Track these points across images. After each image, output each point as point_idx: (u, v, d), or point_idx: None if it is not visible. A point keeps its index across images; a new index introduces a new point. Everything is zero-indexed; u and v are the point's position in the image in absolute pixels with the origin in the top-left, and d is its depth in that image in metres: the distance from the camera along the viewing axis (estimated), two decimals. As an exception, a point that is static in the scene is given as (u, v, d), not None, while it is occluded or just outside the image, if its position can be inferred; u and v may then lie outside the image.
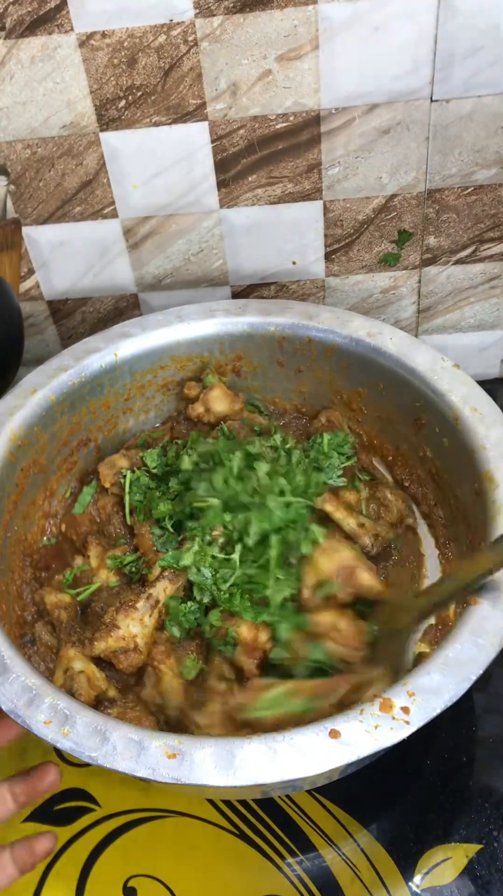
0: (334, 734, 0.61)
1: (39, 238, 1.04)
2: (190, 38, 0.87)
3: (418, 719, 0.62)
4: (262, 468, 0.86)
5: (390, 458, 0.99)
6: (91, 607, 0.87)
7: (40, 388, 0.93)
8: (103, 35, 0.87)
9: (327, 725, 0.62)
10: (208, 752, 0.61)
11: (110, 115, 0.93)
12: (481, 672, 0.65)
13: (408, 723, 0.62)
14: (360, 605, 0.81)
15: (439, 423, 0.88)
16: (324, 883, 0.76)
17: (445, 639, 0.68)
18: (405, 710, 0.63)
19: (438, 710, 0.63)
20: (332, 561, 0.81)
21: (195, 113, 0.93)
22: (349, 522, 0.88)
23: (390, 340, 0.93)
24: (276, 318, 0.99)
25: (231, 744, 0.62)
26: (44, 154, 0.96)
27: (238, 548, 0.82)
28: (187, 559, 0.82)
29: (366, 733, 0.61)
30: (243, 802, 0.81)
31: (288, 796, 0.81)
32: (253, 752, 0.61)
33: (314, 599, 0.80)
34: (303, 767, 0.60)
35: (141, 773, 0.61)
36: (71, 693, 0.76)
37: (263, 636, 0.78)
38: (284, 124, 0.94)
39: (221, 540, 0.83)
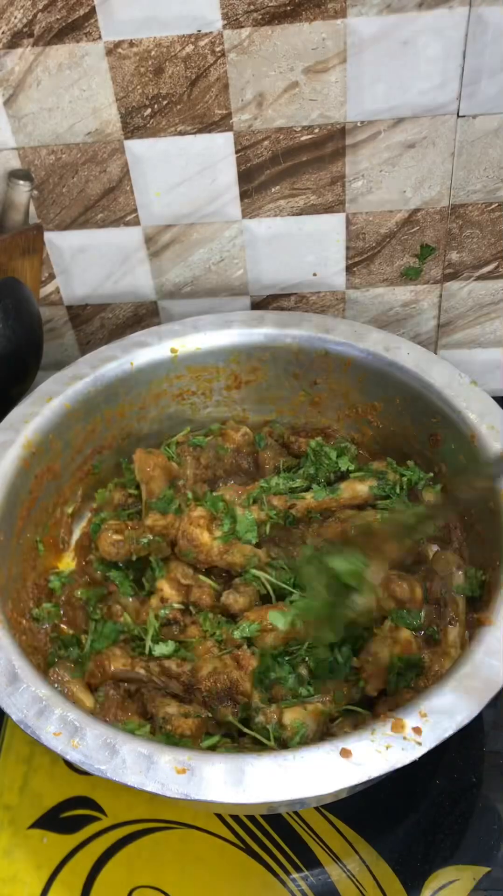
0: (345, 753, 0.61)
1: (61, 243, 1.04)
2: (217, 49, 0.87)
3: (430, 740, 0.62)
4: None
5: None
6: None
7: (56, 395, 0.93)
8: (131, 44, 0.87)
9: (338, 744, 0.62)
10: (218, 769, 0.61)
11: (135, 123, 0.93)
12: (495, 694, 0.64)
13: (419, 743, 0.62)
14: None
15: (455, 440, 0.88)
16: (328, 900, 0.76)
17: (459, 659, 0.68)
18: (417, 730, 0.62)
19: (450, 732, 0.62)
20: None
21: (220, 123, 0.93)
22: None
23: (407, 355, 0.93)
24: (293, 331, 0.99)
25: (241, 760, 0.62)
26: (68, 160, 0.96)
27: None
28: None
29: (377, 753, 0.61)
30: (250, 817, 0.80)
31: (295, 812, 0.80)
32: (263, 770, 0.61)
33: None
34: (313, 786, 0.60)
35: (150, 788, 0.60)
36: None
37: None
38: (309, 136, 0.94)
39: None
